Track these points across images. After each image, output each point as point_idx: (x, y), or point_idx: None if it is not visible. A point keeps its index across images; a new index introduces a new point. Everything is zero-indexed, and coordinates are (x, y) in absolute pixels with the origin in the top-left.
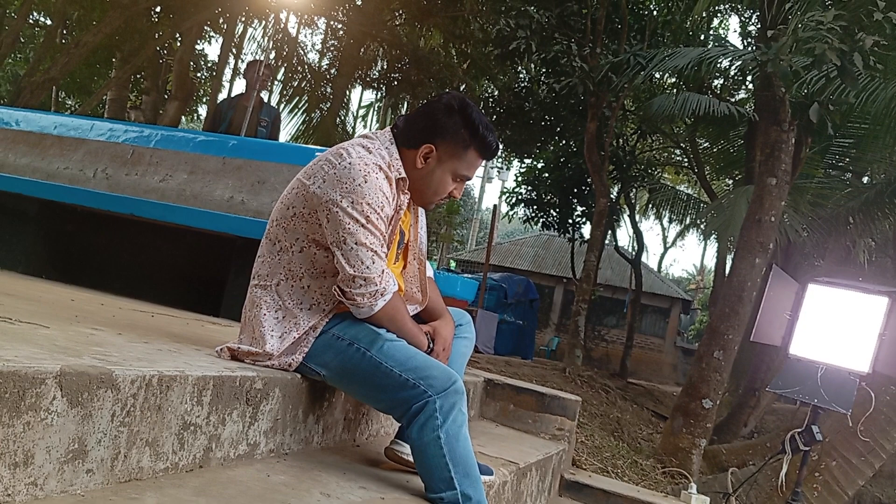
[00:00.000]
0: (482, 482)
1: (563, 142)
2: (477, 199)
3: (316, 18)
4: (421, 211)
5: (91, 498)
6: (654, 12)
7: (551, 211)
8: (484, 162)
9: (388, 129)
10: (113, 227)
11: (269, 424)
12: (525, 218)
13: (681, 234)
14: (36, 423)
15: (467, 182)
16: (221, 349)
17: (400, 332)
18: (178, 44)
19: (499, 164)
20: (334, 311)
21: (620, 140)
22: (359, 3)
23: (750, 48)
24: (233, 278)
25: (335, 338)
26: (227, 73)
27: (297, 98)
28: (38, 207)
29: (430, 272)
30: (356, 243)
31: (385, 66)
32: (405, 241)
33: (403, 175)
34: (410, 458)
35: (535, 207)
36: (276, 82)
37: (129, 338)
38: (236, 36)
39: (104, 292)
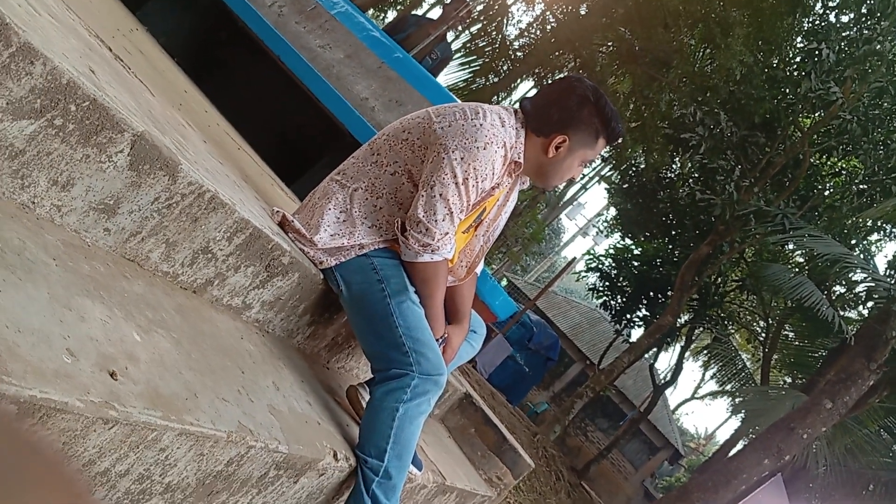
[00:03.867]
0: (408, 472)
1: (671, 246)
2: (562, 244)
3: (538, 1)
4: (513, 199)
5: (93, 252)
6: (826, 193)
7: (618, 297)
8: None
9: (514, 108)
10: (256, 59)
11: (271, 298)
12: (592, 287)
13: (714, 395)
14: (94, 161)
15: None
16: (277, 211)
17: (425, 300)
18: None
19: (603, 227)
20: (388, 243)
21: (719, 279)
22: (582, 12)
23: (891, 279)
24: (319, 168)
25: (372, 268)
26: None
27: (475, 57)
28: (210, 2)
29: (479, 267)
30: (440, 195)
31: (556, 77)
32: (483, 217)
33: (519, 161)
34: (365, 407)
35: (606, 284)
36: (467, 29)
37: (209, 150)
38: None
39: (213, 103)
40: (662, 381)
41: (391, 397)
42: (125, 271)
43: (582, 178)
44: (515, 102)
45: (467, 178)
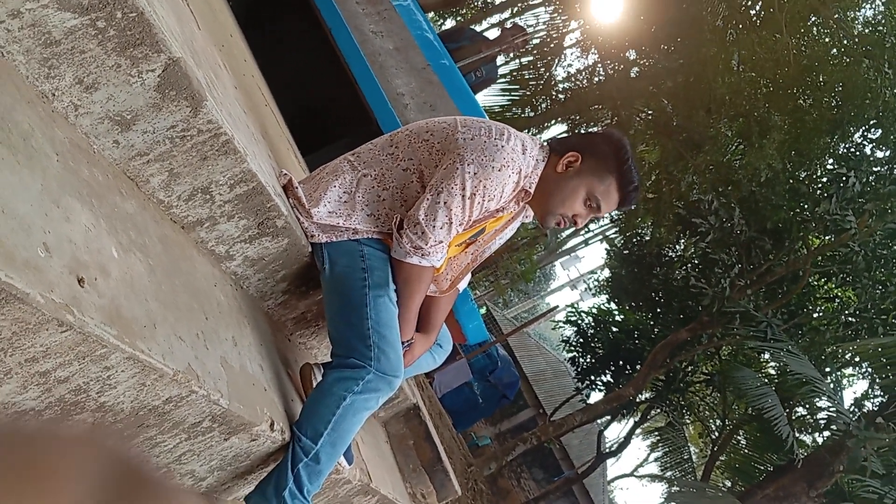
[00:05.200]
0: (337, 462)
1: (652, 322)
2: (549, 289)
3: (593, 50)
4: (513, 227)
5: (97, 159)
6: (815, 315)
7: (588, 356)
8: (614, 212)
9: (542, 142)
10: (308, 26)
11: (255, 256)
12: (566, 340)
13: (653, 478)
14: (124, 72)
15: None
16: (285, 174)
17: (403, 300)
18: None
19: (593, 286)
20: (382, 235)
21: (690, 367)
22: (632, 74)
23: (853, 416)
24: (336, 147)
25: (360, 254)
26: (497, 17)
27: (518, 87)
28: None
29: (463, 284)
30: (445, 203)
31: (590, 129)
32: (479, 237)
33: (529, 190)
34: (315, 388)
35: (580, 341)
36: (518, 58)
37: (237, 97)
38: None
39: (254, 55)
40: (607, 450)
41: (342, 385)
42: (122, 187)
43: (585, 232)
44: (546, 140)
45: (475, 194)
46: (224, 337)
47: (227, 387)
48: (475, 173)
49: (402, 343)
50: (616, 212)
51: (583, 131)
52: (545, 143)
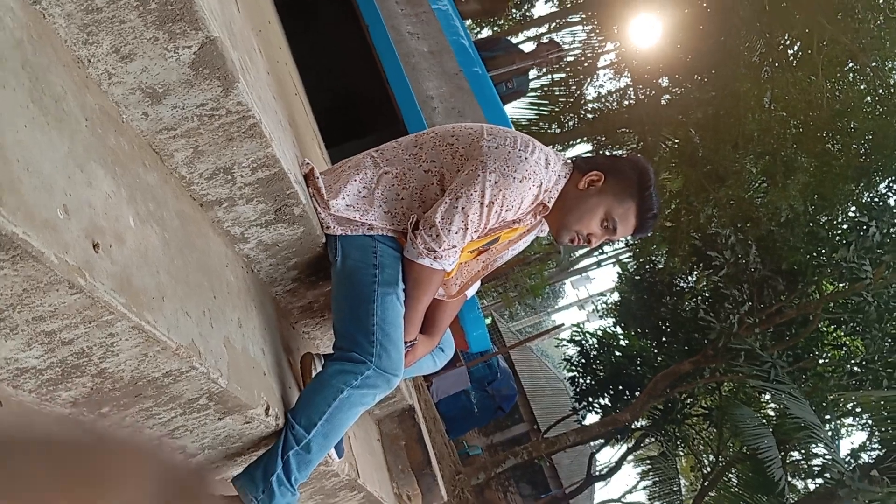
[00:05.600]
0: (328, 454)
1: (656, 350)
2: (556, 307)
3: (626, 74)
4: (527, 240)
5: (124, 129)
6: (821, 360)
7: (589, 378)
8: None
9: (567, 159)
10: (345, 21)
11: (269, 241)
12: (568, 359)
13: None
14: (160, 45)
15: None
16: (307, 163)
17: (410, 301)
18: None
19: (601, 308)
20: (397, 234)
21: (689, 400)
22: (663, 102)
23: (848, 466)
24: (360, 143)
25: (373, 250)
26: (534, 31)
27: (547, 102)
28: None
29: (472, 291)
30: (462, 208)
31: (615, 151)
32: (492, 246)
33: (548, 204)
34: (314, 378)
35: (582, 361)
36: (550, 74)
37: (269, 82)
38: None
39: (289, 43)
40: (597, 473)
41: (341, 378)
42: (146, 159)
43: (599, 254)
44: (571, 157)
45: (493, 203)
46: (230, 317)
47: (227, 367)
48: (496, 182)
49: (405, 343)
50: (632, 238)
51: (609, 153)
52: (569, 160)
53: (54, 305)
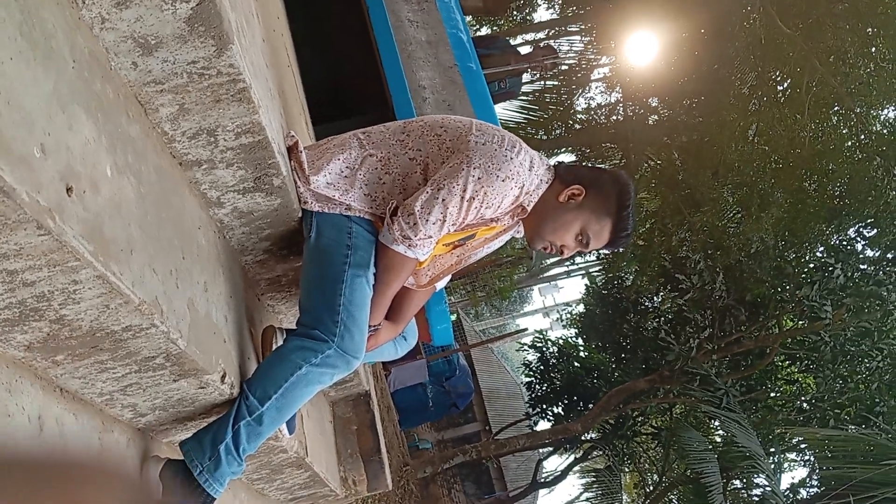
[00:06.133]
0: (278, 429)
1: (614, 365)
2: (521, 311)
3: (618, 89)
4: (503, 239)
5: (112, 76)
6: (772, 394)
7: (545, 385)
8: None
9: (551, 165)
10: (346, 2)
11: (244, 209)
12: (527, 364)
13: None
14: (155, 6)
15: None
16: (292, 136)
17: (379, 286)
18: None
19: (565, 318)
20: (374, 218)
21: (640, 418)
22: (650, 122)
23: (786, 499)
24: (346, 123)
25: (348, 231)
26: (532, 35)
27: (537, 108)
28: None
29: (441, 284)
30: (443, 200)
31: (598, 164)
32: (467, 241)
33: (527, 208)
34: (274, 350)
35: (541, 368)
36: (543, 79)
37: (263, 50)
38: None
39: (287, 15)
40: (542, 480)
41: (301, 354)
42: (130, 110)
43: (569, 264)
44: (555, 163)
45: (474, 198)
46: (196, 280)
47: (188, 329)
48: (479, 178)
49: (370, 327)
50: (604, 251)
51: (592, 164)
52: (552, 166)
53: (20, 245)
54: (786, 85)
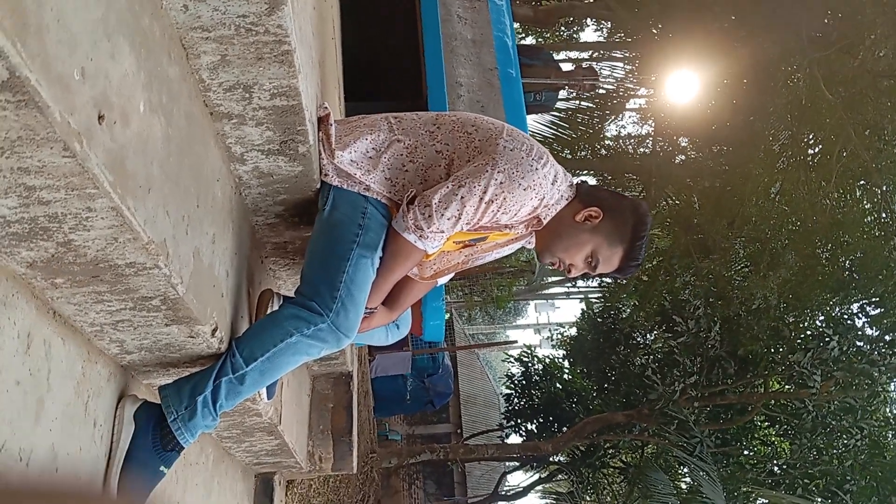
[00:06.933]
0: (258, 392)
1: (595, 393)
2: (514, 323)
3: (650, 122)
4: (513, 247)
5: (160, 15)
6: (745, 452)
7: (524, 400)
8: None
9: (574, 181)
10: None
11: (265, 170)
12: (510, 376)
13: None
14: None
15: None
16: (325, 107)
17: (383, 271)
18: None
19: (556, 338)
20: (391, 203)
21: (611, 450)
22: (676, 161)
23: None
24: (377, 105)
25: (363, 211)
26: (576, 54)
27: (567, 126)
28: None
29: (444, 280)
30: (461, 197)
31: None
32: (479, 242)
33: (543, 220)
34: (268, 314)
35: (522, 382)
36: (579, 99)
37: (311, 18)
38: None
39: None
40: (504, 493)
41: (294, 322)
42: (173, 51)
43: (569, 285)
44: (578, 181)
45: (492, 202)
46: (206, 230)
47: (189, 277)
48: (501, 182)
49: (365, 309)
50: (607, 279)
51: (614, 189)
52: (576, 184)
53: (43, 162)
54: (817, 150)
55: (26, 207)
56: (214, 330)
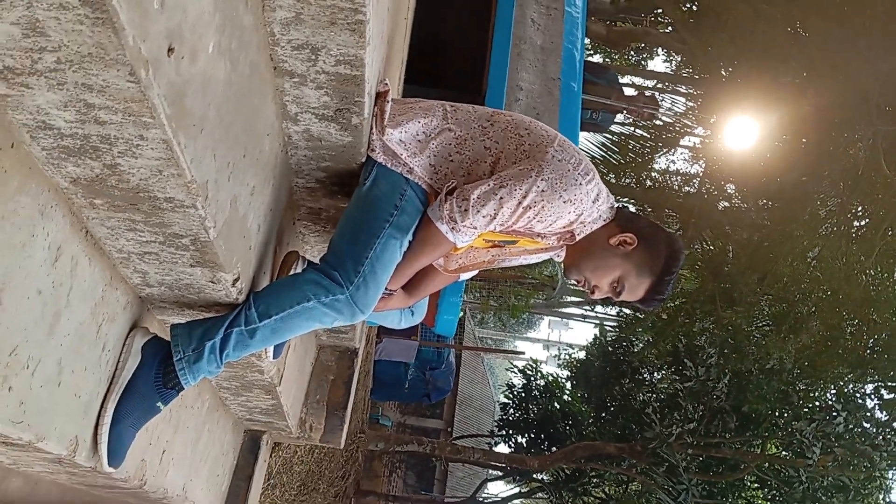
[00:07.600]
0: (265, 349)
1: (592, 420)
2: (524, 335)
3: (701, 163)
4: (541, 256)
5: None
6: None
7: (519, 413)
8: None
9: (615, 205)
10: None
11: (315, 134)
12: (510, 386)
13: None
14: None
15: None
16: (385, 83)
17: (410, 255)
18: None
19: (563, 358)
20: (431, 189)
21: (596, 479)
22: (720, 206)
23: None
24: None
25: (402, 192)
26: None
27: (616, 151)
28: None
29: (466, 276)
30: (500, 198)
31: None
32: (508, 244)
33: (577, 237)
34: (290, 275)
35: (522, 395)
36: (635, 127)
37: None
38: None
39: None
40: (481, 500)
41: (313, 288)
42: (249, 2)
43: (587, 308)
44: (619, 204)
45: (530, 207)
46: (247, 181)
47: (223, 223)
48: (543, 190)
49: (385, 290)
50: (628, 308)
51: (654, 220)
52: (616, 206)
53: (108, 83)
54: (863, 223)
55: (82, 124)
56: (236, 280)
